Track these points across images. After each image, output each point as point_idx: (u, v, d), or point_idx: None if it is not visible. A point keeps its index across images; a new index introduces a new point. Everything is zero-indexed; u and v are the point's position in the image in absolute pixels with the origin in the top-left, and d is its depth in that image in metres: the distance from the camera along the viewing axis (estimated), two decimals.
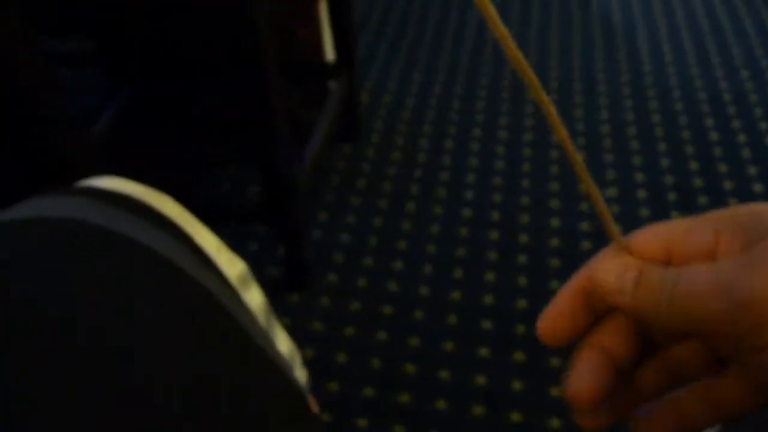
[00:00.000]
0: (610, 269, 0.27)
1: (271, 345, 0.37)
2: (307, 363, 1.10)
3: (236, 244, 1.29)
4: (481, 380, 1.07)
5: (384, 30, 1.89)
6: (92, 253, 0.28)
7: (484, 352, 1.11)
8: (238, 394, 0.29)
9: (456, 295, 1.19)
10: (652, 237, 0.28)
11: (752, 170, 1.40)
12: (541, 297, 1.18)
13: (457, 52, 1.78)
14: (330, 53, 1.46)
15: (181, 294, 0.30)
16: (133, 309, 0.27)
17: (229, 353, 0.31)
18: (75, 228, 0.29)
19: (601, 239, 1.27)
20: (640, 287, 0.26)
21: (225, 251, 0.37)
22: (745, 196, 1.34)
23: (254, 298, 0.37)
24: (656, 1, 1.96)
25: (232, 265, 0.36)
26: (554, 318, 0.29)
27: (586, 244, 1.26)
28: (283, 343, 0.45)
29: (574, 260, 1.24)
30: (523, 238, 1.28)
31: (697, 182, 1.38)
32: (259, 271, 1.25)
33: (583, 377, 0.28)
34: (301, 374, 0.49)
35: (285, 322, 1.16)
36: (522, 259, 1.25)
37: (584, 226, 1.30)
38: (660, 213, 1.32)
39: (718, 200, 1.34)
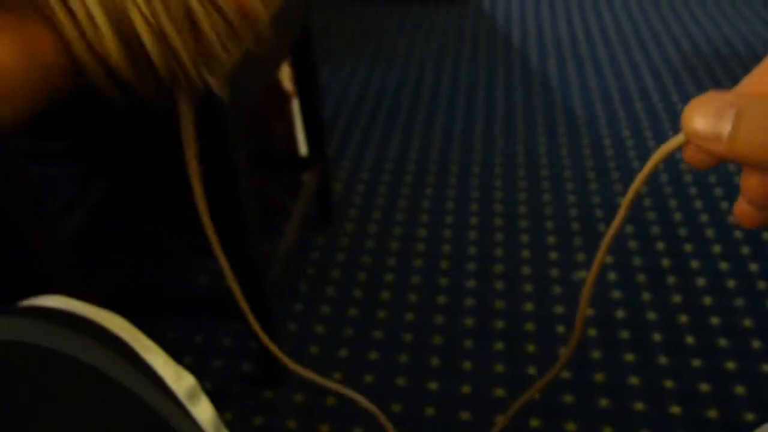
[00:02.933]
0: (701, 111, 0.23)
1: None
2: None
3: (210, 339, 1.27)
4: None
5: (356, 121, 1.95)
6: (36, 374, 0.28)
7: None
8: None
9: (432, 385, 1.17)
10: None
11: (716, 248, 1.44)
12: (518, 384, 1.17)
13: (427, 141, 1.84)
14: (303, 146, 1.50)
15: (127, 413, 0.29)
16: (79, 429, 0.27)
17: None
18: (26, 351, 0.29)
19: (574, 322, 1.28)
20: (739, 130, 0.22)
21: (172, 366, 0.37)
22: (712, 274, 1.37)
23: (203, 412, 0.37)
24: (614, 92, 2.06)
25: (179, 380, 0.36)
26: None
27: (560, 328, 1.27)
28: None
29: (548, 344, 1.24)
30: (499, 324, 1.28)
31: (665, 263, 1.41)
32: (233, 366, 1.22)
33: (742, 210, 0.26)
34: None
35: (258, 420, 1.13)
36: (498, 345, 1.24)
37: (558, 309, 1.31)
38: (630, 293, 1.33)
39: (685, 279, 1.36)
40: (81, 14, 0.21)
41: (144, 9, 0.22)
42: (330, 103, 2.06)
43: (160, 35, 0.22)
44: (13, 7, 0.21)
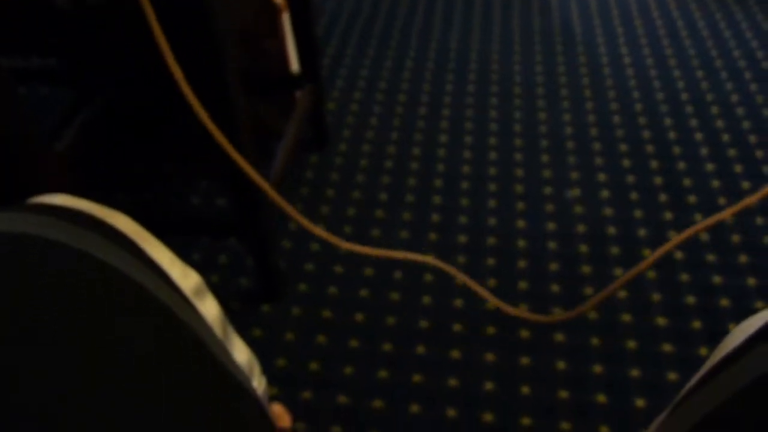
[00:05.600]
0: None
1: (227, 355, 0.38)
2: (280, 373, 1.10)
3: (207, 257, 1.29)
4: (453, 382, 1.08)
5: (349, 40, 1.91)
6: (44, 267, 0.28)
7: (455, 354, 1.12)
8: (192, 405, 0.29)
9: (426, 299, 1.20)
10: None
11: (709, 167, 1.44)
12: (508, 298, 1.20)
13: (422, 60, 1.81)
14: (295, 64, 1.47)
15: (136, 306, 0.30)
16: (87, 321, 0.27)
17: (183, 365, 0.31)
18: (28, 243, 0.29)
19: (566, 239, 1.30)
20: None
21: (178, 264, 0.37)
22: (704, 192, 1.38)
23: (209, 309, 0.38)
24: (614, 8, 2.01)
25: (185, 277, 0.36)
26: None
27: (552, 244, 1.29)
28: (241, 353, 0.45)
29: (539, 259, 1.26)
30: (491, 241, 1.30)
31: (657, 180, 1.42)
32: (230, 282, 1.25)
33: None
34: (259, 383, 0.49)
35: (257, 333, 1.16)
36: (490, 261, 1.27)
37: (550, 226, 1.33)
38: (623, 211, 1.35)
39: (677, 197, 1.37)
40: None
41: None
42: (322, 21, 2.00)
43: None
44: None
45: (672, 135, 1.53)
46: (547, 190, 1.41)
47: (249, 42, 1.39)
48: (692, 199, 1.37)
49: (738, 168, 1.44)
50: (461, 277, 0.50)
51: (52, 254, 0.28)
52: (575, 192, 1.40)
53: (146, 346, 0.29)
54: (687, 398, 0.38)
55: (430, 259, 0.48)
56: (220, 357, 0.35)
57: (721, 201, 1.36)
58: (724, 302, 1.18)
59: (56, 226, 0.30)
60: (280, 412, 0.99)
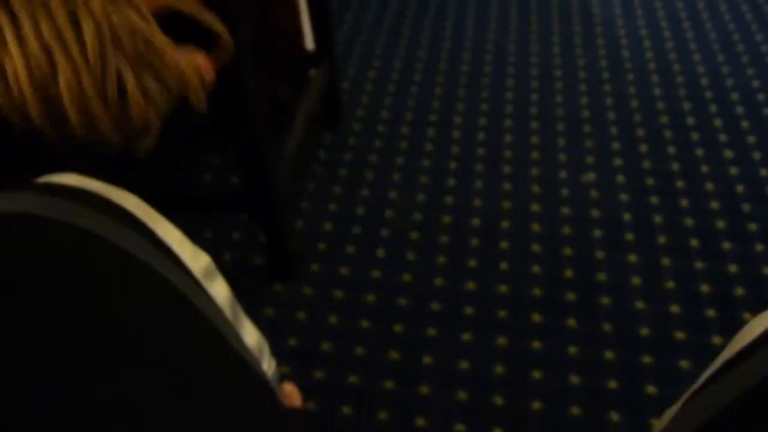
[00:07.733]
0: None
1: (236, 337, 0.37)
2: (292, 352, 1.11)
3: (220, 234, 1.29)
4: (464, 364, 1.08)
5: (363, 19, 1.88)
6: (54, 248, 0.28)
7: (467, 336, 1.12)
8: (199, 387, 0.29)
9: (438, 281, 1.20)
10: None
11: (728, 153, 1.42)
12: (522, 281, 1.19)
13: (437, 38, 1.78)
14: (310, 43, 1.46)
15: (145, 287, 0.29)
16: (98, 304, 0.27)
17: (192, 348, 0.30)
18: (35, 223, 0.28)
19: (581, 225, 1.29)
20: None
21: (188, 245, 0.36)
22: (722, 179, 1.36)
23: (219, 290, 0.37)
24: None
25: (196, 259, 0.36)
26: None
27: (566, 229, 1.28)
28: (250, 335, 0.45)
29: (553, 244, 1.25)
30: (505, 224, 1.29)
31: (674, 166, 1.40)
32: (243, 260, 1.25)
33: None
34: (269, 364, 0.49)
35: (269, 311, 1.17)
36: (503, 245, 1.26)
37: (565, 210, 1.32)
38: (638, 197, 1.33)
39: (694, 184, 1.36)
40: (11, 76, 0.21)
41: (73, 87, 0.21)
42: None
43: (85, 111, 0.23)
44: None
45: (691, 121, 1.51)
46: (563, 174, 1.39)
47: (263, 18, 1.38)
48: (709, 186, 1.35)
49: (757, 155, 1.42)
50: None
51: (57, 235, 0.28)
52: (590, 176, 1.38)
53: (154, 328, 0.28)
54: (700, 391, 0.37)
55: None
56: (229, 339, 0.34)
57: (739, 189, 1.34)
58: (740, 291, 1.16)
59: (64, 207, 0.30)
60: (291, 391, 0.99)
